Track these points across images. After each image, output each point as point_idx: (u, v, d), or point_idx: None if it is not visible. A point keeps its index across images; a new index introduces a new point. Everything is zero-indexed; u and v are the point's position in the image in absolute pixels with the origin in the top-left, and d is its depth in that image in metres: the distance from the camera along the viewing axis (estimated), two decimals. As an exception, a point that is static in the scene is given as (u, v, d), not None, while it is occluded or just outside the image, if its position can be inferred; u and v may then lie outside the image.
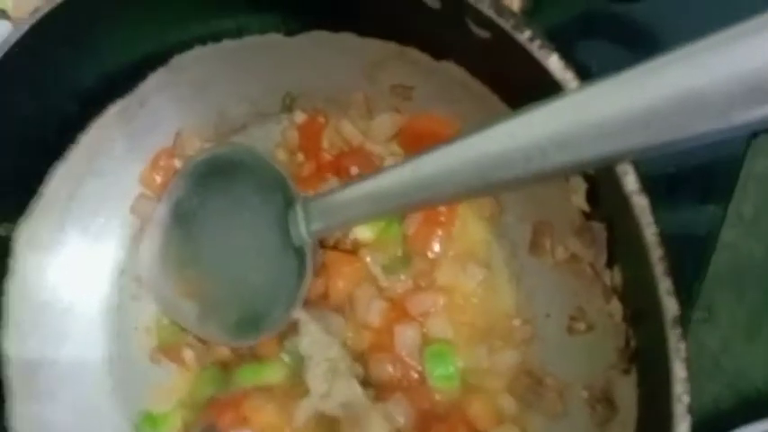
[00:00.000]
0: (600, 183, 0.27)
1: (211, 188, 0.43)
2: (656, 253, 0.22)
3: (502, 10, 0.26)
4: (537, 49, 0.25)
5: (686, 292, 0.38)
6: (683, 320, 0.21)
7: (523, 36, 0.26)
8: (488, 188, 0.27)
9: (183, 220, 0.44)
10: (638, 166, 0.23)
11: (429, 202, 0.30)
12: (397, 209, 0.32)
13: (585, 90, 0.23)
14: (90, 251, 0.46)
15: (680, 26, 0.41)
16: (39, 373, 0.43)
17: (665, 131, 0.21)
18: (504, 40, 0.27)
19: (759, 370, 0.43)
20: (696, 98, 0.20)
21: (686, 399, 0.21)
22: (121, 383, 0.45)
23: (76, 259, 0.45)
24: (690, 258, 0.39)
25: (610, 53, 0.43)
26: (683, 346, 0.21)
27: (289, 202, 0.38)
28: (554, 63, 0.25)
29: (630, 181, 0.23)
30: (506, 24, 0.26)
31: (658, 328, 0.22)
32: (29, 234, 0.43)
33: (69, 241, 0.45)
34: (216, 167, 0.42)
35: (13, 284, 0.42)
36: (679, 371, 0.21)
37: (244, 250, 0.42)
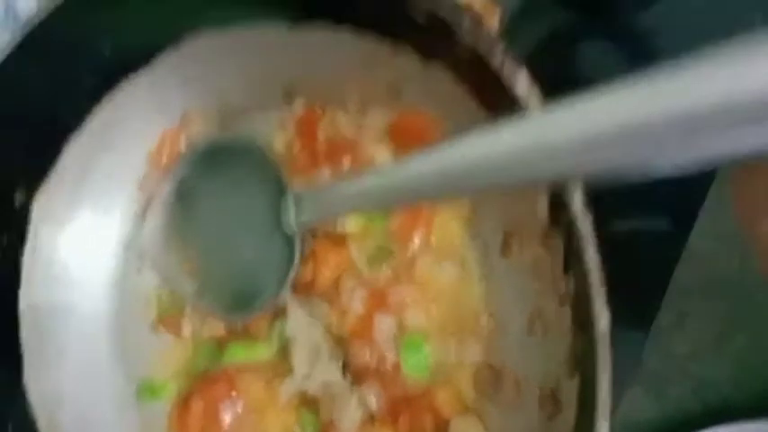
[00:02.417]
0: (558, 194, 0.28)
1: (212, 171, 0.45)
2: (592, 261, 0.23)
3: (479, 33, 0.27)
4: (507, 67, 0.27)
5: (655, 296, 0.39)
6: (613, 332, 0.23)
7: (496, 60, 0.27)
8: (455, 194, 0.29)
9: (186, 200, 0.46)
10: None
11: (406, 203, 0.32)
12: (377, 206, 0.34)
13: (542, 114, 0.24)
14: (99, 226, 0.48)
15: (676, 30, 0.41)
16: (48, 340, 0.47)
17: (611, 159, 0.22)
18: (482, 60, 0.28)
19: (726, 378, 0.44)
20: (642, 129, 0.20)
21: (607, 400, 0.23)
22: (124, 352, 0.48)
23: (86, 233, 0.48)
24: (661, 264, 0.40)
25: (604, 57, 0.44)
26: (608, 356, 0.23)
27: (282, 192, 0.40)
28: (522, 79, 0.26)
29: (577, 197, 0.24)
30: (480, 47, 0.27)
31: (593, 336, 0.24)
32: (44, 206, 0.45)
33: (81, 215, 0.48)
34: (218, 152, 0.44)
35: (28, 255, 0.45)
36: (604, 382, 0.23)
37: (240, 232, 0.44)
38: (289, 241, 0.40)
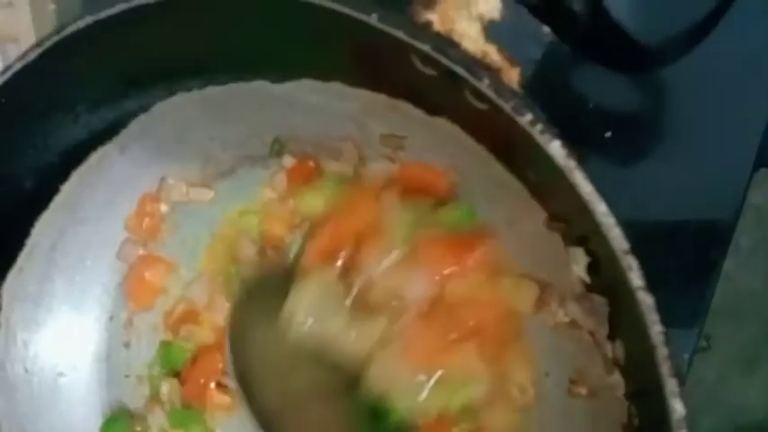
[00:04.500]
0: (602, 263, 0.27)
1: None
2: (661, 352, 0.22)
3: (501, 90, 0.25)
4: (538, 133, 0.25)
5: (693, 324, 0.38)
6: (689, 420, 0.21)
7: (524, 119, 0.25)
8: None
9: None
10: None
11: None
12: None
13: None
14: (77, 301, 0.45)
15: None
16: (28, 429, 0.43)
17: None
18: (502, 116, 0.26)
19: (757, 403, 0.43)
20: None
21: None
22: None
23: (64, 309, 0.45)
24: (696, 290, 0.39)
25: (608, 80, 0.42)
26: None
27: None
28: (556, 149, 0.25)
29: (635, 277, 0.23)
30: (506, 106, 0.25)
31: (664, 422, 0.22)
32: (16, 287, 0.42)
33: (57, 291, 0.45)
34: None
35: (2, 339, 0.42)
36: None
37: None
38: None
